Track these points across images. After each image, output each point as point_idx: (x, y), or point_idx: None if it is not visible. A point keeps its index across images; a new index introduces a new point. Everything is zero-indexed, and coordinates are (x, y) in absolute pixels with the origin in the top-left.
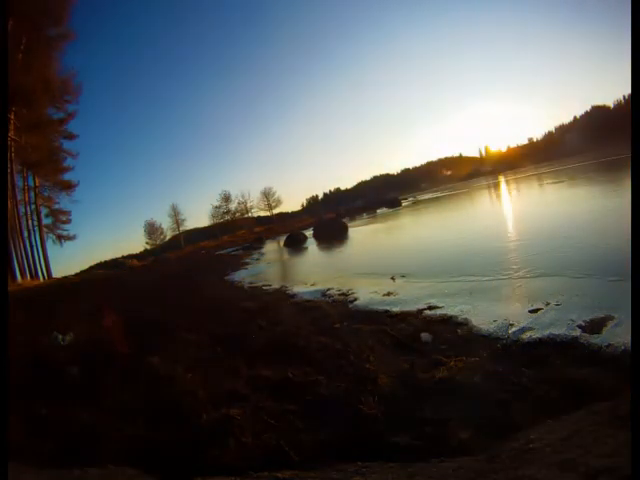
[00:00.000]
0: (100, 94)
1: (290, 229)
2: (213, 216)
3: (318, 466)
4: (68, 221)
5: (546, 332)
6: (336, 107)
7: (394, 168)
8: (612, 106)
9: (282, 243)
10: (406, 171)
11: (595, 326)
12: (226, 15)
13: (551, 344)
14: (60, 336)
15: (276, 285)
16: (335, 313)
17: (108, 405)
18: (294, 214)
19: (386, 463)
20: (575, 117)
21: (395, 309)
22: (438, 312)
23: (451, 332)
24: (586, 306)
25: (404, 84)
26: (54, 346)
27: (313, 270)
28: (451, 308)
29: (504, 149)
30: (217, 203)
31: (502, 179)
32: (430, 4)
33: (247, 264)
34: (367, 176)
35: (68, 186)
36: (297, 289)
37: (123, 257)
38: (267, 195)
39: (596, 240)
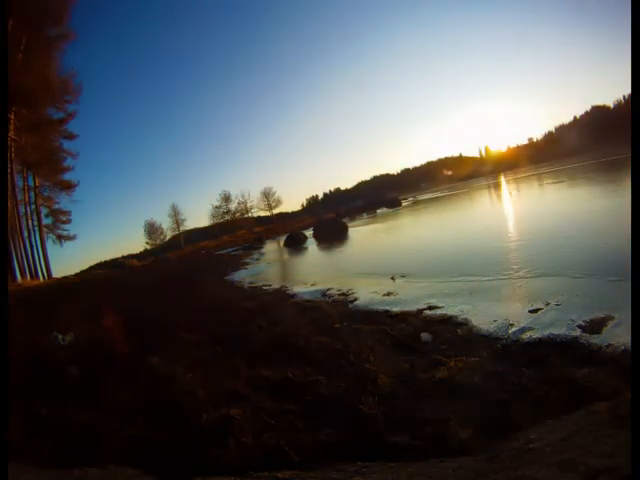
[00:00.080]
0: (100, 94)
1: (290, 229)
2: (213, 216)
3: (318, 466)
4: (68, 221)
5: (546, 332)
6: (336, 107)
7: (394, 168)
8: (612, 106)
9: (282, 243)
10: (406, 171)
11: (595, 326)
12: (226, 15)
13: (551, 344)
14: (60, 336)
15: (276, 285)
16: (335, 313)
17: (108, 405)
18: (294, 214)
19: (386, 463)
20: (575, 117)
21: (395, 309)
22: (438, 312)
23: (451, 332)
24: (586, 306)
25: (404, 84)
26: (54, 346)
27: (313, 270)
28: (451, 308)
29: (504, 149)
30: (217, 203)
31: (502, 179)
32: (430, 4)
33: (247, 264)
34: (367, 176)
35: (68, 186)
36: (297, 289)
37: (123, 257)
38: (267, 195)
39: (596, 240)
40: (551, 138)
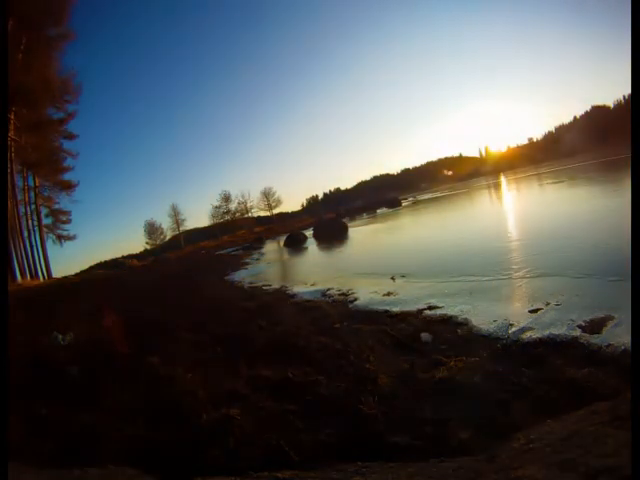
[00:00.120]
0: (100, 94)
1: (290, 229)
2: (213, 216)
3: (318, 466)
4: (68, 221)
5: (546, 332)
6: (336, 107)
7: (394, 168)
8: (612, 106)
9: (282, 243)
10: (406, 171)
11: (595, 326)
12: (226, 15)
13: (551, 344)
14: (60, 336)
15: (276, 285)
16: (335, 313)
17: (108, 405)
18: (294, 214)
19: (386, 463)
20: (575, 117)
21: (395, 309)
22: (438, 312)
23: (451, 332)
24: (586, 306)
25: (404, 84)
26: (54, 346)
27: (313, 270)
28: (451, 308)
29: (504, 149)
30: (217, 203)
31: (502, 179)
32: (430, 4)
33: (247, 264)
34: (367, 176)
35: (68, 186)
36: (297, 289)
37: (123, 257)
38: (267, 195)
39: (596, 240)
40: (551, 138)
